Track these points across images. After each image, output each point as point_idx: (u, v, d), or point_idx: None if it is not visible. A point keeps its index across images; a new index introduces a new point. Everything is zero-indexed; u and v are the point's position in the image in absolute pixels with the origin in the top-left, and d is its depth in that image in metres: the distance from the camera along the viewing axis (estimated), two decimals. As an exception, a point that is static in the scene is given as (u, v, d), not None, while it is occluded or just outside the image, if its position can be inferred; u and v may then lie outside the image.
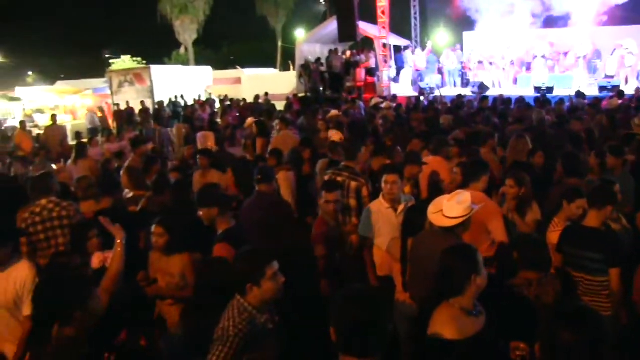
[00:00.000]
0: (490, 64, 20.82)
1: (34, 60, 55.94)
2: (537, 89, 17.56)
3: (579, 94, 14.51)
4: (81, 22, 57.72)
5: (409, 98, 17.12)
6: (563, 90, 16.78)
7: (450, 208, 3.85)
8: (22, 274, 3.93)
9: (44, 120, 21.66)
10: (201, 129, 12.57)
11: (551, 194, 5.47)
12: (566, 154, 6.08)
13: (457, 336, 2.80)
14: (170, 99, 22.11)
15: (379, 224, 4.88)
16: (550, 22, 21.39)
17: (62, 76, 42.40)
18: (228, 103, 19.02)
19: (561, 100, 13.32)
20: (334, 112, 11.94)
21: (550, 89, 17.32)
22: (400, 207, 4.82)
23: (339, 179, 5.54)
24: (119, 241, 3.78)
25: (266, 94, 20.60)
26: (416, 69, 21.76)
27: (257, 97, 20.09)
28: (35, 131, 17.60)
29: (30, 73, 57.17)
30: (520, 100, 13.62)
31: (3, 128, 19.47)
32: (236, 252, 3.52)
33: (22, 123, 16.56)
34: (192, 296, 4.21)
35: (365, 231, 4.97)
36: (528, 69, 20.64)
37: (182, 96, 22.51)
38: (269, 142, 9.46)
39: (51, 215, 5.09)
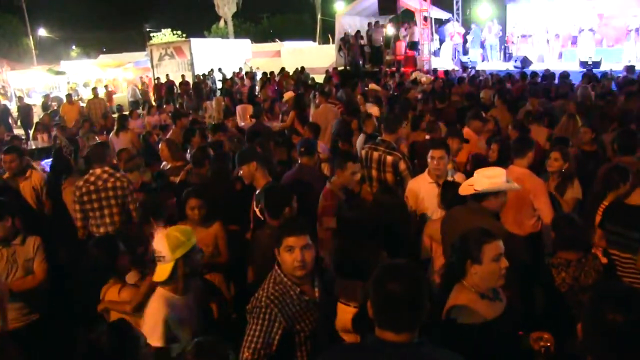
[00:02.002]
0: (534, 37, 20.22)
1: (77, 34, 56.93)
2: (583, 64, 17.01)
3: (629, 69, 13.98)
4: (123, -4, 58.35)
5: (447, 72, 16.78)
6: (611, 65, 16.19)
7: (479, 181, 3.78)
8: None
9: (87, 94, 22.11)
10: (240, 102, 12.64)
11: (601, 170, 5.30)
12: (623, 131, 5.83)
13: (469, 320, 2.74)
14: (209, 72, 22.24)
15: (418, 199, 4.82)
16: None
17: (105, 50, 43.09)
18: (268, 76, 19.02)
19: (606, 74, 12.84)
20: (372, 85, 11.82)
21: (597, 64, 16.75)
22: None
23: (375, 153, 5.50)
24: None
25: (302, 69, 20.42)
26: (456, 43, 21.32)
27: (297, 70, 20.04)
28: (80, 104, 17.95)
29: (74, 47, 58.21)
30: (565, 75, 13.22)
31: (50, 103, 19.87)
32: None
33: (68, 96, 16.92)
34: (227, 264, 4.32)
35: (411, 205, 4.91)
36: (574, 42, 19.97)
37: (219, 69, 22.58)
38: (303, 116, 9.47)
39: (105, 185, 5.21)
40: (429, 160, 4.81)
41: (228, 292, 4.48)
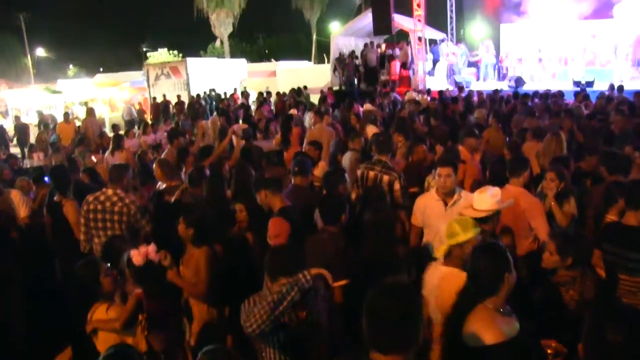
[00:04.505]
0: (527, 58, 20.41)
1: (74, 53, 57.27)
2: (577, 83, 17.16)
3: (618, 88, 14.11)
4: (120, 16, 58.83)
5: (440, 92, 16.88)
6: (603, 84, 16.34)
7: (481, 201, 3.82)
8: None
9: (83, 112, 22.12)
10: (236, 121, 12.68)
11: (595, 190, 5.34)
12: (605, 152, 5.88)
13: (499, 339, 2.72)
14: (210, 91, 22.32)
15: (425, 216, 4.86)
16: (592, 14, 20.79)
17: (101, 69, 43.29)
18: (264, 96, 19.10)
19: (601, 95, 12.99)
20: (367, 106, 11.89)
21: (590, 83, 16.90)
22: (452, 201, 4.70)
23: (371, 172, 5.52)
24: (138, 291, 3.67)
25: (305, 87, 20.53)
26: (451, 62, 21.49)
27: (293, 90, 20.16)
28: (76, 123, 17.95)
29: (71, 66, 58.49)
30: (558, 94, 13.33)
31: (46, 121, 19.89)
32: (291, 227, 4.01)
33: (65, 115, 16.96)
34: (204, 294, 4.17)
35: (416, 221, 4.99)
36: (567, 63, 20.17)
37: (213, 90, 22.65)
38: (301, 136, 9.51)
39: (113, 208, 5.22)
40: (436, 177, 4.84)
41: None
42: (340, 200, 4.47)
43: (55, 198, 5.84)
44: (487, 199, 3.81)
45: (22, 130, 18.13)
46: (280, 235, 4.31)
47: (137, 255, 3.79)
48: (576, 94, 13.67)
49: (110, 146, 10.02)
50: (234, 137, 8.26)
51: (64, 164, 9.53)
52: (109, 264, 3.89)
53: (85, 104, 22.12)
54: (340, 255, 3.91)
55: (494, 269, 2.83)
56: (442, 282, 3.35)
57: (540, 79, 19.84)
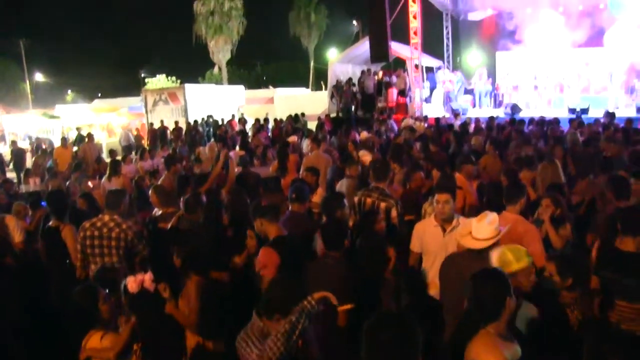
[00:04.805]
0: (523, 85, 20.60)
1: (73, 79, 57.66)
2: (572, 110, 17.30)
3: (610, 115, 14.23)
4: (118, 42, 59.37)
5: (437, 119, 17.00)
6: (598, 111, 16.48)
7: (480, 229, 3.81)
8: None
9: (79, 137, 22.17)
10: (233, 147, 12.69)
11: (599, 217, 5.35)
12: (614, 177, 5.90)
13: None
14: (202, 118, 22.41)
15: (423, 242, 4.88)
16: (586, 42, 21.05)
17: (100, 95, 43.51)
18: (261, 123, 19.19)
19: (596, 121, 13.11)
20: (364, 134, 11.94)
21: (585, 110, 17.03)
22: (450, 227, 4.70)
23: (369, 199, 5.52)
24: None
25: (302, 114, 20.64)
26: (448, 89, 21.67)
27: (291, 116, 20.28)
28: (74, 148, 17.97)
29: (69, 92, 58.80)
30: (554, 121, 13.43)
31: (44, 147, 19.92)
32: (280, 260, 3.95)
33: (62, 140, 16.99)
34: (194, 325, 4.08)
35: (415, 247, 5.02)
36: (562, 90, 20.37)
37: (211, 116, 22.75)
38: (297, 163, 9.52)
39: (110, 234, 5.20)
40: (434, 204, 4.85)
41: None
42: (343, 225, 4.51)
43: (51, 223, 5.80)
44: (485, 227, 3.80)
45: (18, 155, 18.13)
46: (268, 266, 4.27)
47: (132, 282, 3.76)
48: (571, 120, 13.77)
49: (108, 172, 10.00)
50: (230, 163, 8.25)
51: (61, 189, 9.54)
52: (107, 290, 3.85)
53: (78, 129, 22.07)
54: (344, 280, 3.91)
55: (496, 294, 2.84)
56: None
57: (535, 106, 20.01)
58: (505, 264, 3.39)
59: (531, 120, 14.18)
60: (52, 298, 5.55)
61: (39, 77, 54.04)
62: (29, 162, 17.29)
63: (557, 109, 18.86)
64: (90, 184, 10.22)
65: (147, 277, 3.75)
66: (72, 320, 3.95)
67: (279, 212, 4.92)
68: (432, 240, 4.80)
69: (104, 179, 9.80)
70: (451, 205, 4.76)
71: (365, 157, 8.43)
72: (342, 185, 6.99)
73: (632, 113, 16.26)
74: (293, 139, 11.46)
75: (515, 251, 3.44)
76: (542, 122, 13.76)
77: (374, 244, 4.43)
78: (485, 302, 2.85)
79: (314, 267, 4.18)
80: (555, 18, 20.47)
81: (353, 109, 21.53)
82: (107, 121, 26.93)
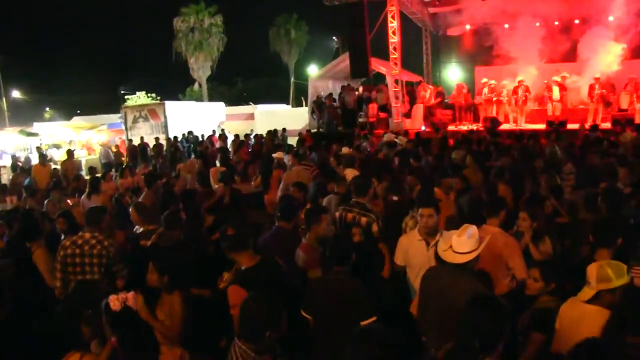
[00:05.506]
0: (502, 98, 20.82)
1: (51, 96, 57.12)
2: (550, 124, 17.53)
3: (594, 128, 14.50)
4: (98, 59, 59.05)
5: (417, 133, 17.12)
6: (576, 124, 16.73)
7: (460, 243, 3.81)
8: None
9: (59, 155, 21.93)
10: (214, 164, 12.65)
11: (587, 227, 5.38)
12: (607, 189, 5.97)
13: None
14: (183, 135, 22.35)
15: (408, 256, 4.91)
16: (562, 56, 21.43)
17: (79, 112, 43.15)
18: (242, 139, 19.19)
19: (575, 133, 13.32)
20: (345, 149, 11.97)
21: (563, 123, 17.27)
22: (434, 240, 4.70)
23: (350, 214, 5.53)
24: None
25: (284, 130, 20.72)
26: (427, 104, 21.84)
27: (270, 132, 20.31)
28: (52, 166, 17.75)
29: (47, 109, 58.21)
30: (534, 135, 13.61)
31: (19, 163, 19.65)
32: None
33: (41, 157, 16.78)
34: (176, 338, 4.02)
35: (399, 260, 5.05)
36: (541, 103, 20.66)
37: (190, 132, 22.69)
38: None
39: (92, 251, 5.17)
40: (418, 218, 4.87)
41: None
42: (350, 240, 4.55)
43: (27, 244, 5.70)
44: (466, 241, 3.79)
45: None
46: (238, 306, 4.14)
47: (115, 301, 3.70)
48: (549, 133, 13.97)
49: (87, 189, 9.89)
50: (211, 180, 8.24)
51: (38, 207, 9.40)
52: (90, 311, 3.77)
53: (56, 146, 21.84)
54: (363, 293, 3.94)
55: (495, 328, 2.76)
56: (585, 319, 3.31)
57: (514, 120, 20.23)
58: (605, 280, 3.30)
59: (510, 133, 14.34)
60: (25, 320, 5.43)
61: (16, 94, 53.46)
62: (5, 179, 17.05)
63: (535, 122, 19.11)
64: (69, 201, 10.09)
65: (130, 296, 3.68)
66: (48, 341, 3.87)
67: (248, 237, 4.48)
68: (416, 254, 4.83)
69: (83, 197, 9.68)
70: (435, 219, 4.80)
71: (348, 173, 8.44)
72: (330, 202, 6.96)
73: (608, 126, 16.54)
74: (279, 154, 11.43)
75: (615, 267, 3.35)
76: (520, 135, 13.94)
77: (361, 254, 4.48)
78: (481, 333, 2.73)
79: (324, 285, 4.12)
80: (532, 33, 20.79)
81: (335, 123, 21.60)
82: (86, 138, 26.70)
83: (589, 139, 12.58)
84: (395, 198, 6.56)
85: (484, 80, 21.77)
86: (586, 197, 5.87)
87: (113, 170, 17.64)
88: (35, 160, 18.40)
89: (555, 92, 19.38)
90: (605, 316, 3.11)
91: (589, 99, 18.86)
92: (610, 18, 19.74)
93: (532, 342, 3.53)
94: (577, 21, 21.61)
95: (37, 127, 27.54)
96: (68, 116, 38.71)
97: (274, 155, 11.67)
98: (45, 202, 9.94)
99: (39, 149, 21.13)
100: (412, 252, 4.87)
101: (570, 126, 16.72)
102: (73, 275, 5.17)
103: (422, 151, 11.30)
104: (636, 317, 2.84)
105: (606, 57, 19.49)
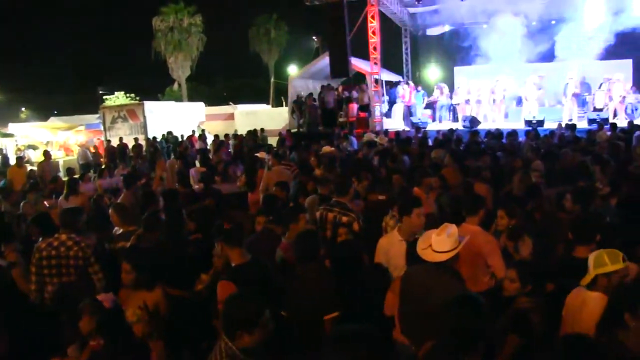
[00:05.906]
0: (481, 99, 21.02)
1: (27, 96, 56.14)
2: (528, 122, 17.74)
3: (570, 127, 14.72)
4: (75, 58, 58.31)
5: (397, 133, 17.21)
6: (553, 123, 16.95)
7: (440, 242, 3.82)
8: None
9: (35, 156, 21.62)
10: (194, 164, 12.56)
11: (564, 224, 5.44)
12: (578, 188, 6.06)
13: None
14: (162, 135, 22.18)
15: (388, 256, 4.88)
16: (539, 56, 21.69)
17: (56, 112, 42.55)
18: (221, 139, 19.09)
19: (551, 133, 13.51)
20: (326, 148, 11.98)
21: (540, 122, 17.50)
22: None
23: (330, 214, 5.54)
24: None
25: (262, 130, 20.67)
26: (407, 104, 21.95)
27: (250, 132, 20.26)
28: (28, 167, 17.49)
29: (23, 109, 57.31)
30: (512, 133, 13.75)
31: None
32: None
33: (18, 159, 16.52)
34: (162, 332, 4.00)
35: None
36: (519, 103, 20.89)
37: (170, 132, 22.54)
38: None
39: (68, 253, 5.10)
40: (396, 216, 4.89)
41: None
42: (315, 235, 4.54)
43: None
44: (445, 240, 3.81)
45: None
46: None
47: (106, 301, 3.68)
48: (527, 132, 14.15)
49: (65, 191, 9.76)
50: (192, 180, 8.18)
51: (14, 210, 9.25)
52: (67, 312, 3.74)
53: (32, 147, 21.53)
54: (329, 289, 4.02)
55: (478, 329, 2.75)
56: (586, 305, 3.50)
57: (493, 119, 20.42)
58: (601, 264, 3.51)
59: (488, 132, 14.47)
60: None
61: (-10, 94, 52.64)
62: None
63: (513, 122, 19.34)
64: (46, 203, 9.95)
65: (108, 298, 3.66)
66: (29, 345, 3.83)
67: (242, 235, 4.58)
68: (397, 254, 4.82)
69: (61, 198, 9.55)
70: (423, 218, 4.84)
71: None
72: (312, 202, 6.96)
73: (584, 125, 16.79)
74: (262, 154, 11.42)
75: (611, 254, 3.56)
76: (499, 134, 14.07)
77: (349, 252, 4.57)
78: (464, 334, 2.72)
79: (295, 281, 4.18)
80: (510, 33, 21.02)
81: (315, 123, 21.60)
82: (64, 139, 26.36)
83: (565, 138, 12.76)
84: (381, 197, 6.58)
85: (463, 79, 21.96)
86: (558, 195, 5.96)
87: (91, 171, 17.48)
88: (12, 161, 18.11)
89: (533, 92, 19.62)
90: (604, 301, 3.26)
91: (564, 98, 19.15)
92: (587, 18, 20.03)
93: (508, 344, 3.57)
94: (553, 21, 21.87)
95: (12, 127, 27.15)
96: (44, 117, 38.14)
97: (258, 154, 11.66)
98: (22, 204, 9.80)
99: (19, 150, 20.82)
100: (393, 252, 4.86)
101: (547, 124, 16.95)
102: (49, 278, 5.09)
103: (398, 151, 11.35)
104: (633, 297, 3.01)
105: (582, 57, 19.83)
